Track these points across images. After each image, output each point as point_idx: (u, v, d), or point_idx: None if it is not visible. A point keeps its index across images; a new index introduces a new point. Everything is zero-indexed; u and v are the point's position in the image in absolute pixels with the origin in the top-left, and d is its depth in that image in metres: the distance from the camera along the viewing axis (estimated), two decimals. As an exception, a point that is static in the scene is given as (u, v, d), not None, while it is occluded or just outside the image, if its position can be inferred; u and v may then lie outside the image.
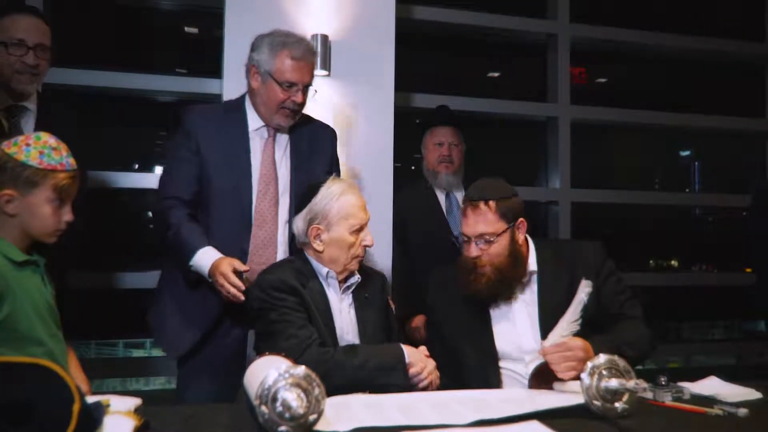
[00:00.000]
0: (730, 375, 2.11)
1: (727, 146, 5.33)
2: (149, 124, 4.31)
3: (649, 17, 4.99)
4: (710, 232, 5.65)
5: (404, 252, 3.50)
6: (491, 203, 2.28)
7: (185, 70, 4.19)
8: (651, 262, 5.39)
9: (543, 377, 2.04)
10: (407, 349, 2.10)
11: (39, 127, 2.45)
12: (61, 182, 1.99)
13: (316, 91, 2.67)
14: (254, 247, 2.54)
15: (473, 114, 4.43)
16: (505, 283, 2.29)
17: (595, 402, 1.76)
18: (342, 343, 2.20)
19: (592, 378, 1.76)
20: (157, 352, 4.14)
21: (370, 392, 1.99)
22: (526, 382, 2.17)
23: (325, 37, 3.39)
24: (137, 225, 4.45)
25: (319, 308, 2.17)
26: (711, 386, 2.04)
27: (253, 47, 2.62)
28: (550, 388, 2.03)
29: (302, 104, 2.62)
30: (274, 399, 1.49)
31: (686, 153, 5.58)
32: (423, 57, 4.58)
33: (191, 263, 2.40)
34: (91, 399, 1.50)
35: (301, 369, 1.52)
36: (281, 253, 2.57)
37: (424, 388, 2.07)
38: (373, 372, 2.04)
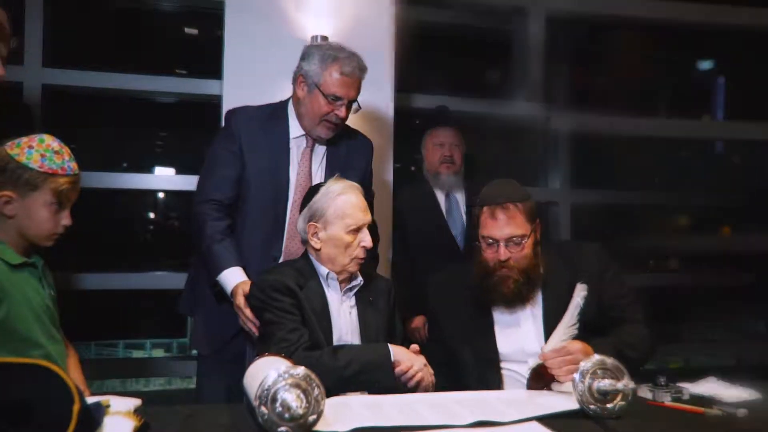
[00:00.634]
0: (728, 375, 2.11)
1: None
2: (149, 125, 4.31)
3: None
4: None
5: (404, 252, 3.49)
6: (520, 205, 2.27)
7: (185, 71, 4.19)
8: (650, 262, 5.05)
9: (541, 378, 2.04)
10: (393, 348, 2.09)
11: None
12: (60, 186, 1.99)
13: (359, 108, 2.69)
14: (285, 257, 2.55)
15: (471, 114, 4.40)
16: (530, 285, 2.27)
17: (591, 406, 1.77)
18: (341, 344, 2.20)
19: (584, 382, 1.77)
20: (157, 353, 4.14)
21: (369, 393, 1.99)
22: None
23: (324, 38, 3.39)
24: (134, 226, 4.45)
25: (316, 309, 2.17)
26: (710, 387, 2.04)
27: (303, 56, 2.64)
28: (549, 388, 2.03)
29: (344, 119, 2.64)
30: (274, 399, 1.49)
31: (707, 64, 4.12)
32: (423, 57, 4.55)
33: (217, 279, 2.45)
34: (91, 399, 1.51)
35: (301, 369, 1.52)
36: None
37: (414, 387, 2.06)
38: (358, 371, 2.02)
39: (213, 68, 3.65)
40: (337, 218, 2.21)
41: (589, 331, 2.14)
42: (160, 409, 1.72)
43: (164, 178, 3.95)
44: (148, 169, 4.31)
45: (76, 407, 1.33)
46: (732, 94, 4.52)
